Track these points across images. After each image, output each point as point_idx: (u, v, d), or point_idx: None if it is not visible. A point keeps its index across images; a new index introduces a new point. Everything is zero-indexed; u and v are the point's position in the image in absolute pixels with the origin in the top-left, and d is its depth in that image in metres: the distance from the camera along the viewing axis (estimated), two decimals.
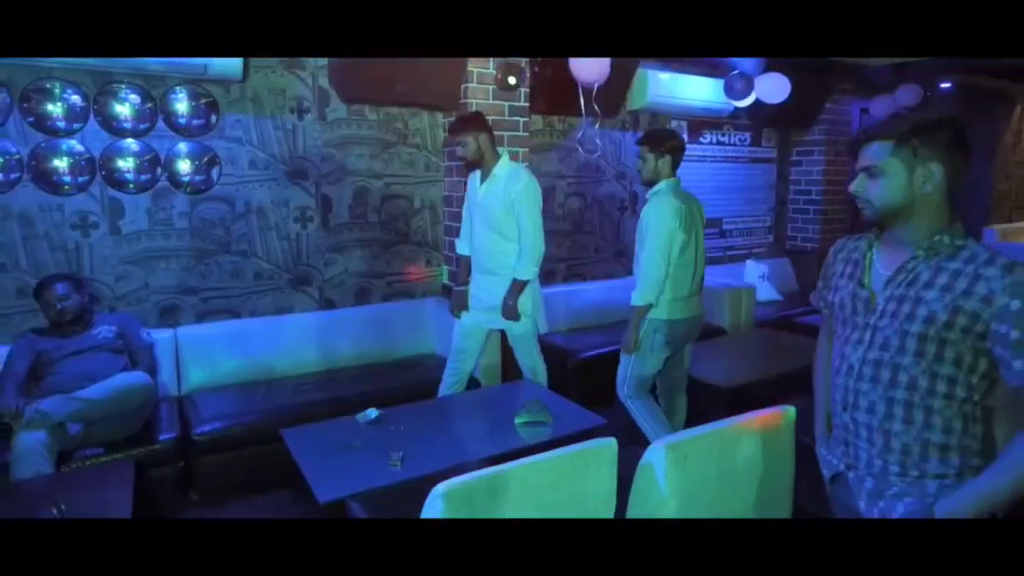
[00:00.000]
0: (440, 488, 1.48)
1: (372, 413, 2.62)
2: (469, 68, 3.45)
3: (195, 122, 3.11)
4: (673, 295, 2.74)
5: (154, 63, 2.79)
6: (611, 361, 3.84)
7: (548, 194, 4.30)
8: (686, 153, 2.96)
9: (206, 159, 3.16)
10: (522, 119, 3.71)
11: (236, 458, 2.81)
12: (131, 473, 2.18)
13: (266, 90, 3.26)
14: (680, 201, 2.70)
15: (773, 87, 4.04)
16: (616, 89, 4.20)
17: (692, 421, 3.53)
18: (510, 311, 2.89)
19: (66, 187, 2.88)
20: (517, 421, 2.61)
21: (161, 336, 3.06)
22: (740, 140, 5.42)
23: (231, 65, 2.93)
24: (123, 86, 2.92)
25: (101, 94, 2.89)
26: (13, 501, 2.02)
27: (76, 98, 2.84)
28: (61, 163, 2.85)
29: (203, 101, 3.11)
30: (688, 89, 4.51)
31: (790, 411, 1.99)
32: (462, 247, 3.14)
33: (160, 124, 3.04)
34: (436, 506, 1.47)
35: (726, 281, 4.75)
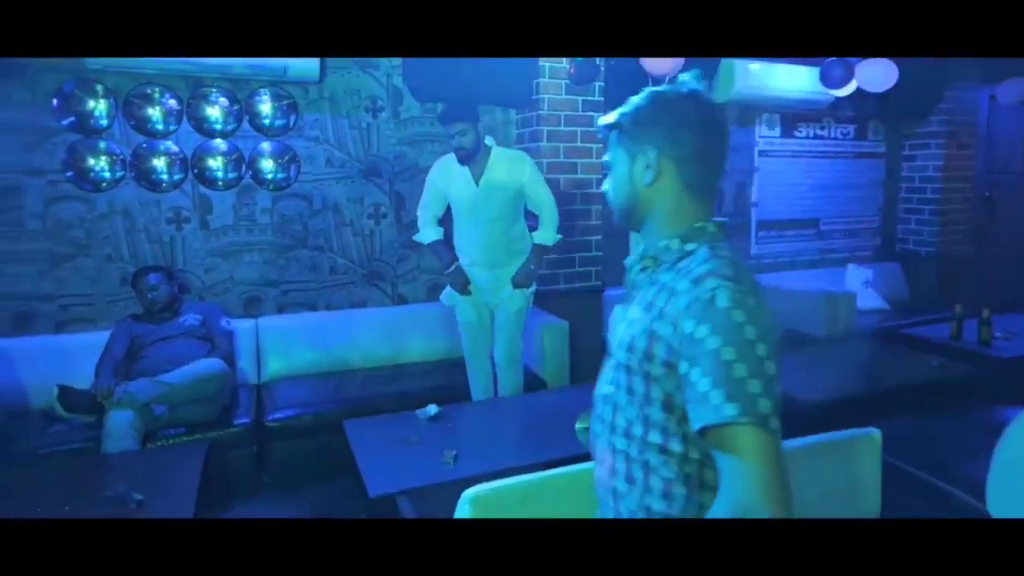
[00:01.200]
0: (468, 493, 1.43)
1: (432, 409, 2.62)
2: (541, 63, 3.39)
3: (277, 122, 3.26)
4: None
5: (239, 67, 2.95)
6: None
7: None
8: (778, 149, 2.75)
9: (287, 158, 3.31)
10: (596, 114, 3.59)
11: (306, 445, 2.91)
12: (202, 454, 2.31)
13: (342, 90, 3.37)
14: None
15: (877, 74, 3.66)
16: None
17: None
18: (529, 277, 2.89)
19: (163, 185, 3.10)
20: (577, 426, 2.52)
21: (243, 326, 3.24)
22: (842, 134, 4.99)
23: (309, 66, 3.04)
24: (213, 90, 3.11)
25: (193, 98, 3.09)
26: (99, 474, 2.18)
27: (172, 102, 3.06)
28: (159, 162, 3.08)
29: (284, 102, 3.25)
30: (781, 79, 4.20)
31: (874, 434, 1.77)
32: (430, 234, 2.95)
33: (245, 125, 3.21)
34: (464, 511, 1.43)
35: (822, 286, 4.38)
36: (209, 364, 2.70)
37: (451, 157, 2.82)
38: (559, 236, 2.92)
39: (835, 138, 4.97)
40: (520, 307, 2.95)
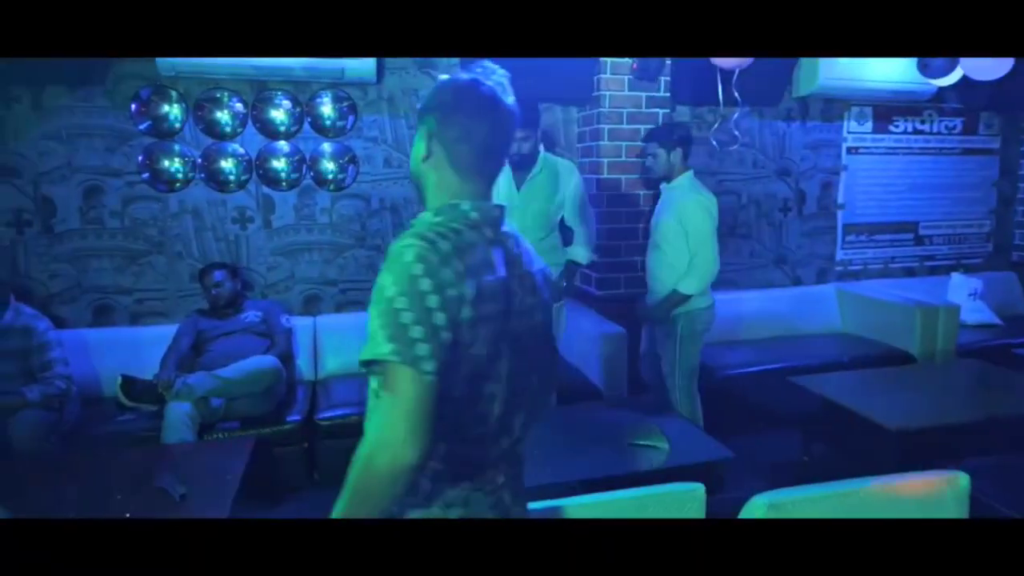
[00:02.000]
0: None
1: None
2: (602, 58, 3.25)
3: (337, 123, 3.30)
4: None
5: (298, 69, 3.00)
6: (762, 381, 3.41)
7: None
8: (869, 146, 2.52)
9: (346, 158, 3.35)
10: (662, 111, 3.40)
11: (356, 445, 2.92)
12: (247, 452, 2.35)
13: (400, 90, 3.37)
14: (709, 193, 2.77)
15: (986, 61, 3.23)
16: (776, 73, 3.69)
17: (839, 465, 2.98)
18: (558, 292, 2.76)
19: (230, 185, 3.22)
20: (630, 443, 2.38)
21: (302, 324, 3.30)
22: (947, 128, 4.49)
23: (366, 67, 3.05)
24: (276, 93, 3.19)
25: (258, 100, 3.18)
26: (152, 465, 2.26)
27: (239, 105, 3.16)
28: (226, 164, 3.20)
29: (344, 104, 3.29)
30: (873, 68, 3.82)
31: (961, 479, 1.52)
32: None
33: (305, 126, 3.27)
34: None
35: (919, 297, 3.95)
36: (261, 360, 2.76)
37: None
38: (594, 256, 2.86)
39: (939, 133, 4.48)
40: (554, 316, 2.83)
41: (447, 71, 3.36)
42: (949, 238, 4.65)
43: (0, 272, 2.94)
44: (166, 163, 3.13)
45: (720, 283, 4.06)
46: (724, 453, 2.36)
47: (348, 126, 3.32)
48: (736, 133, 3.68)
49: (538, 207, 2.65)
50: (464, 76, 1.06)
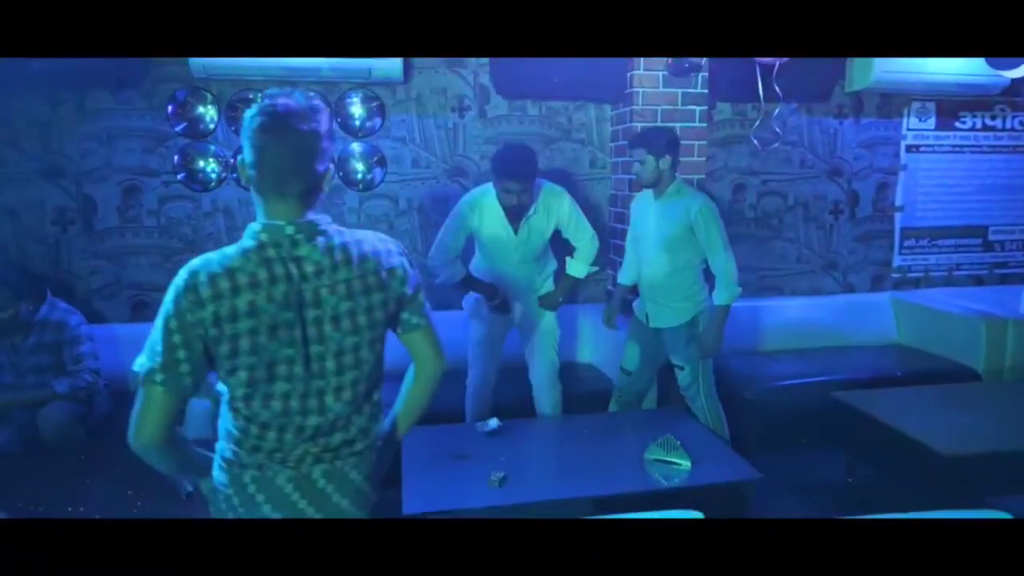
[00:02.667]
0: None
1: (493, 423, 2.49)
2: None
3: (366, 124, 3.30)
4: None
5: (325, 69, 3.01)
6: (806, 395, 3.19)
7: (737, 193, 3.75)
8: (932, 144, 2.33)
9: (375, 159, 3.34)
10: (699, 108, 3.24)
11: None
12: None
13: (428, 90, 3.33)
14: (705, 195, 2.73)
15: None
16: (826, 67, 3.47)
17: (885, 491, 2.76)
18: (554, 304, 2.77)
19: None
20: (647, 457, 2.26)
21: None
22: (1022, 124, 4.12)
23: (392, 67, 3.03)
24: (307, 93, 3.20)
25: None
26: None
27: None
28: None
29: (374, 104, 3.28)
30: (935, 60, 3.53)
31: (1003, 519, 1.34)
32: (457, 271, 2.67)
33: (333, 126, 3.28)
34: None
35: (988, 308, 3.64)
36: None
37: (484, 193, 2.59)
38: (594, 268, 2.81)
39: (1012, 129, 4.11)
40: (551, 324, 2.78)
41: (476, 70, 3.33)
42: (1023, 244, 4.28)
43: (42, 268, 3.07)
44: (201, 163, 3.20)
45: (763, 289, 3.88)
46: (750, 474, 2.21)
47: (377, 126, 3.31)
48: (778, 130, 3.48)
49: (536, 241, 2.67)
50: (252, 106, 1.16)
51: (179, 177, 3.18)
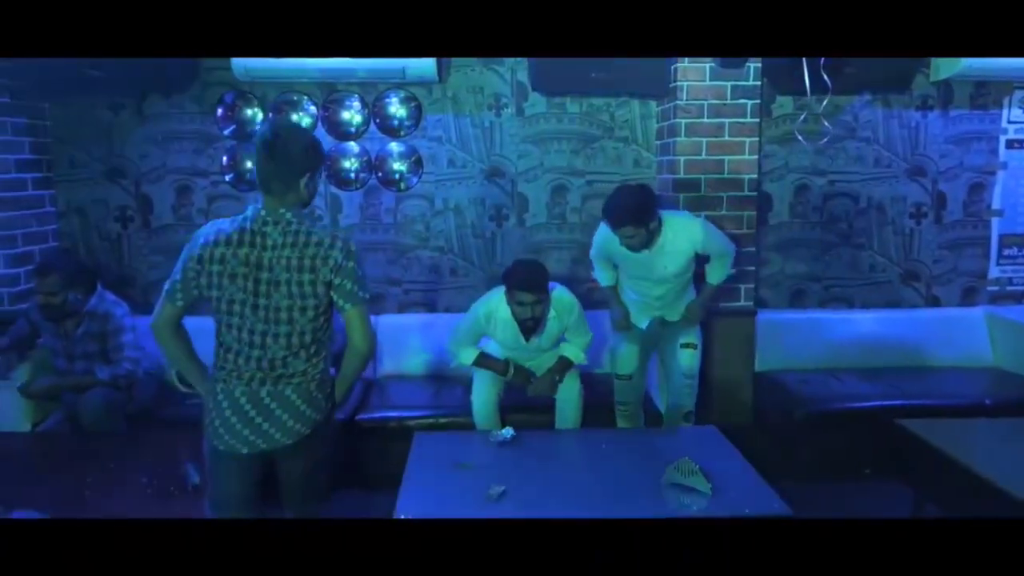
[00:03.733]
0: None
1: (507, 433, 2.41)
2: None
3: (405, 123, 3.30)
4: None
5: (360, 70, 3.02)
6: (869, 420, 2.86)
7: (800, 194, 3.45)
8: None
9: (412, 159, 3.33)
10: (751, 102, 2.99)
11: (399, 448, 2.88)
12: None
13: (465, 88, 3.28)
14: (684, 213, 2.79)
15: None
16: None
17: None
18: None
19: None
20: (664, 480, 2.09)
21: None
22: None
23: (426, 66, 3.00)
24: (346, 94, 3.25)
25: (330, 101, 3.26)
26: (183, 451, 2.36)
27: (312, 108, 3.27)
28: None
29: (410, 104, 3.27)
30: None
31: None
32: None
33: (371, 127, 3.30)
34: None
35: None
36: None
37: (499, 303, 2.59)
38: (585, 358, 2.75)
39: None
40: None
41: (513, 67, 3.24)
42: None
43: (106, 261, 3.30)
44: (249, 164, 3.31)
45: (828, 300, 3.54)
46: (780, 508, 1.98)
47: (414, 126, 3.30)
48: (827, 124, 3.15)
49: (546, 344, 2.71)
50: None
51: (227, 178, 3.31)
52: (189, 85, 3.20)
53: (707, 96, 2.97)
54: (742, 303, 3.18)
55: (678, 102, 2.99)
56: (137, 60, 2.78)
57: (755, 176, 3.08)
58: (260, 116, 3.27)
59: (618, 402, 2.84)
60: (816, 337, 3.44)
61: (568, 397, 2.71)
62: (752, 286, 3.18)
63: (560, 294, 2.64)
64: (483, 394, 2.68)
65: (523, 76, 3.28)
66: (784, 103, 3.35)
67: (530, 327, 2.53)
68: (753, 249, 3.15)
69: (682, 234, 2.52)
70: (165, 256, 3.36)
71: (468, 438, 2.48)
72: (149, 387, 2.76)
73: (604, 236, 2.60)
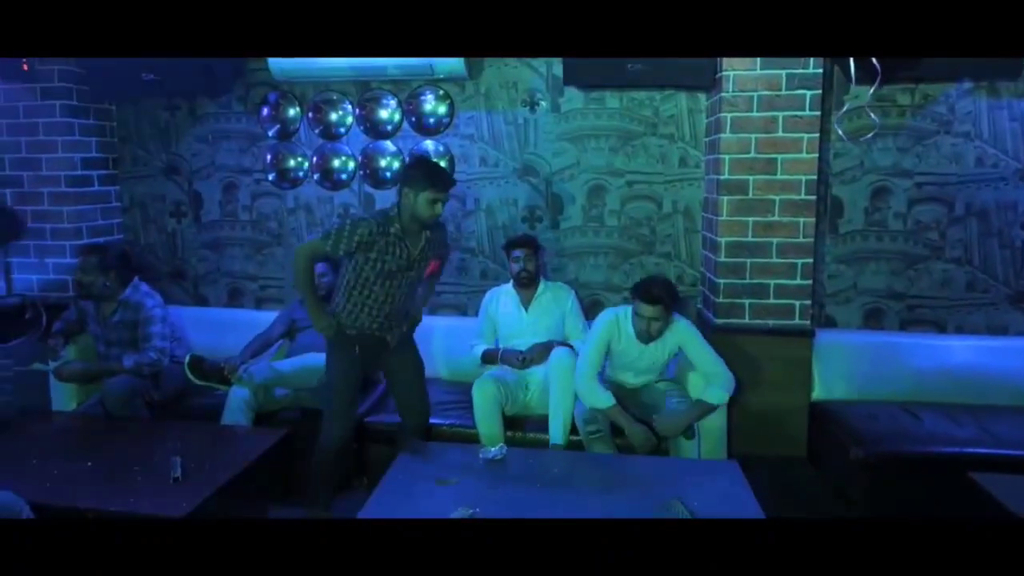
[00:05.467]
0: None
1: (494, 451, 2.26)
2: None
3: (435, 121, 3.22)
4: None
5: (391, 68, 2.98)
6: (948, 471, 2.39)
7: (878, 198, 3.01)
8: None
9: (445, 157, 3.25)
10: (810, 92, 2.61)
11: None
12: (271, 441, 2.40)
13: (498, 84, 3.14)
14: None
15: None
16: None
17: None
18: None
19: (338, 183, 3.36)
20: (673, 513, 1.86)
21: None
22: None
23: (454, 63, 2.91)
24: (381, 92, 3.22)
25: (368, 100, 3.25)
26: (181, 442, 2.39)
27: (348, 106, 3.28)
28: (337, 163, 3.34)
29: (443, 101, 3.19)
30: None
31: None
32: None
33: (404, 125, 3.25)
34: None
35: None
36: (315, 358, 2.79)
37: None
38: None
39: None
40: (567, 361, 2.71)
41: (548, 60, 3.05)
42: None
43: (157, 254, 3.50)
44: (292, 163, 3.38)
45: (911, 322, 3.07)
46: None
47: (446, 123, 3.22)
48: (874, 117, 2.69)
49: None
50: None
51: (270, 177, 3.39)
52: (234, 86, 3.31)
53: (757, 87, 2.63)
54: (796, 321, 2.80)
55: (723, 94, 2.67)
56: (187, 63, 2.93)
57: (814, 177, 2.69)
58: (297, 115, 3.32)
59: (588, 429, 2.50)
60: (893, 364, 2.96)
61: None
62: (808, 303, 2.79)
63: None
64: (486, 403, 2.56)
65: (559, 70, 3.08)
66: (861, 94, 2.91)
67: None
68: (810, 261, 2.76)
69: (675, 334, 2.59)
70: (212, 250, 3.52)
71: (459, 451, 2.35)
72: (175, 377, 2.88)
73: (609, 322, 2.61)
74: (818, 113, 2.64)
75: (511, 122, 3.18)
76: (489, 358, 2.89)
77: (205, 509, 1.97)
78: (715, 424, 2.57)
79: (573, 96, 3.11)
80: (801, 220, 2.73)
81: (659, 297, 2.44)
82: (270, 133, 3.35)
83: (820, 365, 2.95)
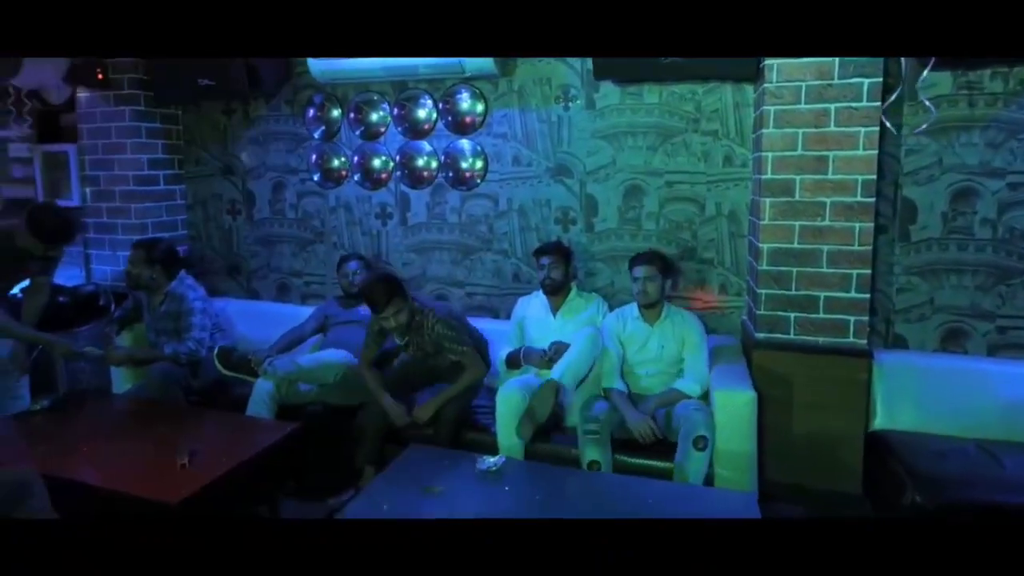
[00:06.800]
0: None
1: (491, 462, 2.16)
2: None
3: (469, 120, 3.17)
4: None
5: (422, 67, 2.96)
6: None
7: (960, 201, 2.63)
8: None
9: (477, 156, 3.19)
10: (868, 80, 2.30)
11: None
12: (280, 434, 2.44)
13: (531, 81, 3.04)
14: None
15: None
16: None
17: None
18: None
19: (376, 183, 3.40)
20: None
21: None
22: None
23: (483, 61, 2.84)
24: (418, 92, 3.22)
25: (407, 100, 3.25)
26: (201, 431, 2.50)
27: (385, 107, 3.30)
28: (377, 162, 3.38)
29: (476, 99, 3.13)
30: None
31: None
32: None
33: (438, 124, 3.23)
34: None
35: None
36: (333, 354, 2.84)
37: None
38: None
39: None
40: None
41: (579, 59, 2.92)
42: None
43: (216, 249, 3.70)
44: (335, 163, 3.47)
45: (999, 346, 2.66)
46: None
47: (480, 122, 3.16)
48: (928, 103, 2.29)
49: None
50: None
51: (315, 177, 3.49)
52: (282, 89, 3.44)
53: (805, 76, 2.35)
54: (851, 339, 2.48)
55: (767, 85, 2.42)
56: (237, 68, 3.08)
57: (872, 177, 2.37)
58: (339, 116, 3.39)
59: (586, 428, 2.39)
60: (974, 394, 2.55)
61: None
62: (864, 319, 2.46)
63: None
64: (510, 412, 2.47)
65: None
66: (939, 81, 2.53)
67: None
68: (868, 272, 2.43)
69: (681, 325, 2.63)
70: (263, 247, 3.67)
71: (459, 458, 2.27)
72: (213, 367, 3.02)
73: (613, 317, 2.75)
74: (878, 104, 2.32)
75: (544, 120, 3.06)
76: (512, 361, 2.82)
77: (204, 497, 2.03)
78: (741, 449, 2.32)
79: (609, 91, 2.94)
80: (856, 225, 2.41)
81: (651, 258, 2.60)
82: (315, 134, 3.45)
83: (884, 390, 2.60)
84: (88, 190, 3.59)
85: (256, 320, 3.47)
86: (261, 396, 2.75)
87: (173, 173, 3.68)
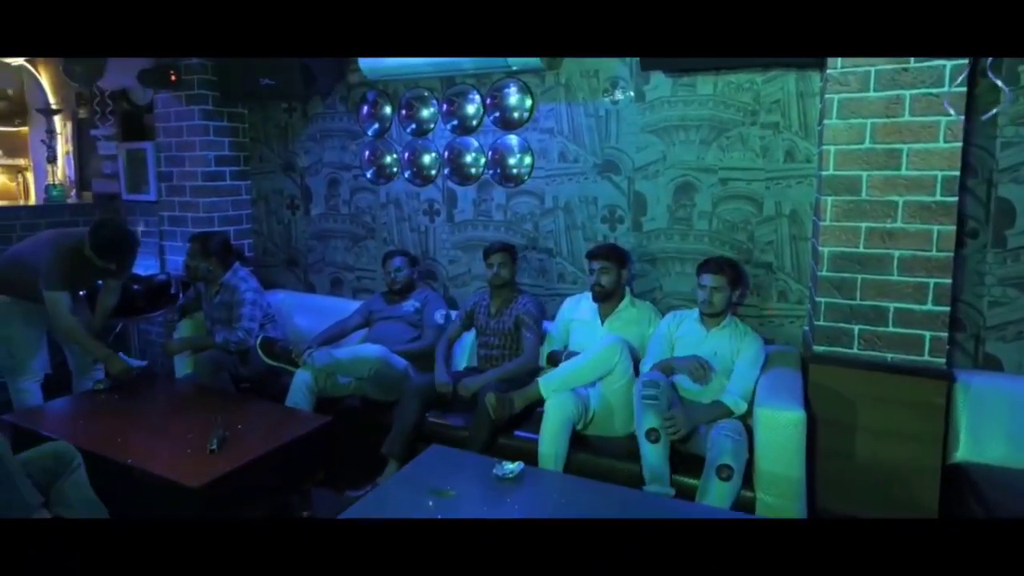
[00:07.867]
0: None
1: (509, 467, 2.08)
2: None
3: (515, 115, 3.09)
4: None
5: (466, 63, 2.92)
6: None
7: None
8: None
9: (525, 152, 3.11)
10: (950, 63, 2.02)
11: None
12: (311, 426, 2.47)
13: (579, 73, 2.91)
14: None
15: None
16: None
17: None
18: None
19: (425, 180, 3.39)
20: None
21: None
22: None
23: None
24: (465, 87, 3.18)
25: (455, 95, 3.22)
26: (237, 417, 2.56)
27: (434, 103, 3.29)
28: (426, 158, 3.37)
29: (524, 94, 3.05)
30: None
31: None
32: None
33: (485, 120, 3.17)
34: None
35: None
36: (367, 348, 2.83)
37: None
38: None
39: None
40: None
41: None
42: None
43: (277, 243, 3.83)
44: (387, 159, 3.50)
45: None
46: None
47: (526, 117, 3.07)
48: (1002, 85, 1.96)
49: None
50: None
51: (368, 174, 3.54)
52: (335, 86, 3.50)
53: (875, 60, 2.10)
54: (926, 358, 2.20)
55: (830, 71, 2.18)
56: (294, 68, 3.18)
57: (955, 174, 2.08)
58: (390, 113, 3.41)
59: (645, 393, 2.24)
60: None
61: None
62: (943, 335, 2.17)
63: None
64: (561, 420, 2.38)
65: None
66: None
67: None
68: (948, 281, 2.14)
69: (741, 337, 2.46)
70: (319, 241, 3.77)
71: (478, 462, 2.20)
72: (259, 356, 3.12)
73: (669, 316, 2.64)
74: (964, 89, 2.03)
75: (592, 114, 2.93)
76: (553, 359, 2.73)
77: (228, 483, 2.09)
78: (787, 473, 2.10)
79: (660, 83, 2.77)
80: (935, 228, 2.13)
81: (721, 267, 2.44)
82: (369, 132, 3.49)
83: (969, 416, 2.30)
84: (163, 185, 3.83)
85: (311, 313, 3.56)
86: (299, 387, 2.80)
87: (239, 169, 3.85)
